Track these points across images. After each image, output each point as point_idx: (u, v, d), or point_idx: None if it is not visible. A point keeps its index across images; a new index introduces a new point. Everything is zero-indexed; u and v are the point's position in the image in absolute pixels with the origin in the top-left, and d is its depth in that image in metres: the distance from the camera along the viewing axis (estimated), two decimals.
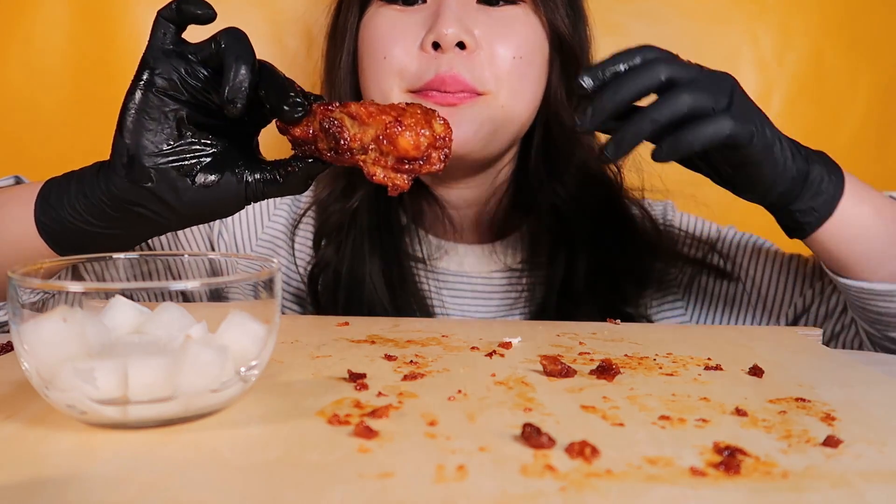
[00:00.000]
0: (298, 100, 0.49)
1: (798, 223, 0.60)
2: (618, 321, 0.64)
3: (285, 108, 0.49)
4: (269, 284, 0.39)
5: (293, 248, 0.79)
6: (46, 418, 0.37)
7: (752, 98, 0.56)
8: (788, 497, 0.29)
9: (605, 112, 0.53)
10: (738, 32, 1.01)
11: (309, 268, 0.78)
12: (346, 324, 0.61)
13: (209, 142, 0.52)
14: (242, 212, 0.70)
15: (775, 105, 1.02)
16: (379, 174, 0.49)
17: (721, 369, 0.48)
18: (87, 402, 0.34)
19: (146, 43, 0.51)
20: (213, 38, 0.49)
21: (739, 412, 0.39)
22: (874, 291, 0.63)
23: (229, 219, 0.77)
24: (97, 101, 0.99)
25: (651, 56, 0.54)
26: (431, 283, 0.78)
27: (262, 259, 0.45)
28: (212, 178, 0.52)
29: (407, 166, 0.48)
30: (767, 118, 0.57)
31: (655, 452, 0.33)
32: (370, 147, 0.48)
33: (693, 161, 0.61)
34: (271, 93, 0.49)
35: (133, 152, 0.50)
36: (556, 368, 0.46)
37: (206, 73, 0.50)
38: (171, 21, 0.50)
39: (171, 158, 0.51)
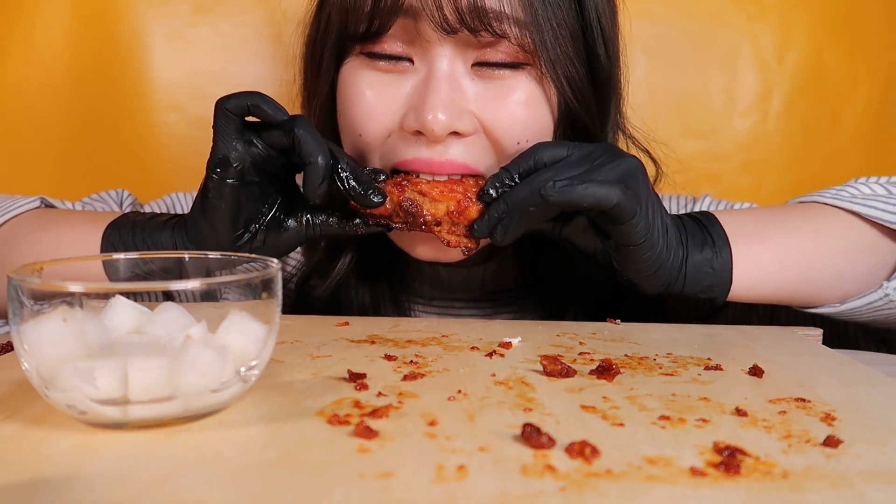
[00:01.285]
0: (378, 188, 0.57)
1: (704, 301, 0.60)
2: (618, 321, 0.64)
3: (373, 200, 0.56)
4: (269, 285, 0.39)
5: None
6: (46, 418, 0.37)
7: (651, 186, 0.55)
8: (788, 497, 0.29)
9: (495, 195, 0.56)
10: (738, 32, 1.01)
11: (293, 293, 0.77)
12: (346, 324, 0.61)
13: (273, 200, 0.59)
14: None
15: (775, 105, 1.02)
16: (453, 241, 0.58)
17: (721, 369, 0.48)
18: (87, 402, 0.34)
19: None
20: (288, 129, 0.54)
21: (739, 412, 0.39)
22: (839, 314, 0.63)
23: None
24: (97, 101, 0.99)
25: (538, 147, 0.56)
26: (418, 309, 0.76)
27: (262, 259, 0.45)
28: (280, 230, 0.59)
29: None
30: (660, 206, 0.56)
31: (655, 452, 0.33)
32: (443, 219, 0.58)
33: (581, 237, 0.58)
34: (353, 188, 0.56)
35: (217, 237, 0.57)
36: (556, 368, 0.46)
37: (275, 153, 0.56)
38: (237, 114, 0.54)
39: (248, 234, 0.58)
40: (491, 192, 0.56)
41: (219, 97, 0.55)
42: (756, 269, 0.59)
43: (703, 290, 0.59)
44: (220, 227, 0.56)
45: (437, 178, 0.59)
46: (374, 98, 0.61)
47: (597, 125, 0.65)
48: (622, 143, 0.71)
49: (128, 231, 0.60)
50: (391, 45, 0.60)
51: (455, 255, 0.63)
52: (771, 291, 0.61)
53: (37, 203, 0.70)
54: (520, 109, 0.60)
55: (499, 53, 0.59)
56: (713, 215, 0.60)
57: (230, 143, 0.55)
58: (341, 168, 0.56)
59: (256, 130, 0.56)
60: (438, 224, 0.58)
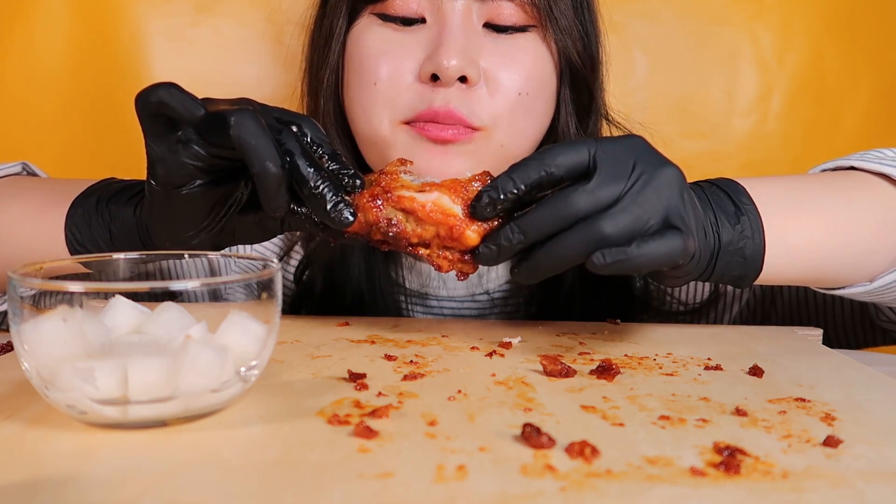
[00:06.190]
0: (344, 208, 0.46)
1: (737, 285, 0.55)
2: (618, 321, 0.64)
3: (333, 220, 0.46)
4: (269, 285, 0.39)
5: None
6: (46, 418, 0.37)
7: (689, 187, 0.48)
8: (788, 497, 0.29)
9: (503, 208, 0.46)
10: (738, 32, 1.01)
11: (291, 295, 0.77)
12: (346, 324, 0.61)
13: (237, 189, 0.51)
14: None
15: (775, 105, 1.02)
16: (445, 266, 0.48)
17: (721, 369, 0.48)
18: (87, 402, 0.34)
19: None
20: (226, 126, 0.44)
21: (739, 412, 0.39)
22: (869, 293, 0.59)
23: None
24: (97, 101, 0.99)
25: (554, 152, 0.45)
26: (413, 309, 0.76)
27: (262, 259, 0.45)
28: (252, 221, 0.52)
29: (468, 256, 0.48)
30: (697, 206, 0.49)
31: (655, 452, 0.33)
32: (432, 240, 0.47)
33: None
34: (315, 201, 0.46)
35: (173, 240, 0.51)
36: (556, 368, 0.46)
37: (217, 149, 0.47)
38: (152, 113, 0.46)
39: (208, 231, 0.51)
40: (487, 207, 0.45)
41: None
42: (787, 251, 0.54)
43: (731, 280, 0.53)
44: (172, 228, 0.51)
45: (426, 182, 0.49)
46: (388, 47, 0.63)
47: (593, 96, 0.68)
48: (605, 130, 0.73)
49: (92, 205, 0.56)
50: (403, 4, 0.62)
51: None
52: (799, 273, 0.57)
53: (17, 169, 0.69)
54: (523, 63, 0.63)
55: (508, 15, 0.62)
56: (741, 187, 0.54)
57: (159, 148, 0.47)
58: (301, 173, 0.46)
59: (197, 128, 0.46)
60: (427, 245, 0.48)
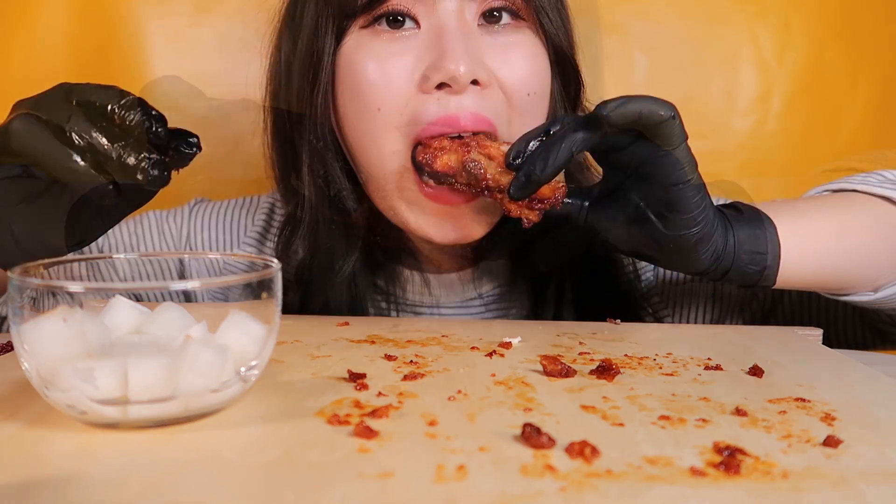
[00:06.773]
0: (149, 167, 0.45)
1: (751, 283, 0.57)
2: (618, 321, 0.64)
3: (145, 182, 0.45)
4: (269, 285, 0.39)
5: None
6: (46, 418, 0.37)
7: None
8: (788, 497, 0.29)
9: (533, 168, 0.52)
10: (738, 32, 1.01)
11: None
12: (346, 324, 0.61)
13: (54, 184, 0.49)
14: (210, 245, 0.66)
15: (775, 105, 1.02)
16: (515, 210, 0.56)
17: (721, 369, 0.48)
18: (87, 402, 0.34)
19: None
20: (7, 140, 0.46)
21: (739, 412, 0.39)
22: (872, 303, 0.61)
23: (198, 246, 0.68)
24: None
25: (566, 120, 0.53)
26: (402, 316, 0.74)
27: (262, 259, 0.45)
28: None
29: (538, 205, 0.55)
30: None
31: (655, 452, 0.33)
32: (506, 187, 0.54)
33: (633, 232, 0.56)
34: (120, 172, 0.45)
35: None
36: (556, 368, 0.46)
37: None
38: None
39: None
40: (517, 160, 0.52)
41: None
42: (800, 249, 0.56)
43: (749, 277, 0.56)
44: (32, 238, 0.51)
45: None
46: (385, 63, 0.59)
47: (582, 86, 0.69)
48: None
49: None
50: (396, 4, 0.60)
51: (477, 234, 0.63)
52: (812, 273, 0.58)
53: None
54: (527, 61, 0.62)
55: (499, 4, 0.62)
56: (740, 202, 0.58)
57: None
58: (100, 151, 0.45)
59: None
60: (501, 191, 0.55)
